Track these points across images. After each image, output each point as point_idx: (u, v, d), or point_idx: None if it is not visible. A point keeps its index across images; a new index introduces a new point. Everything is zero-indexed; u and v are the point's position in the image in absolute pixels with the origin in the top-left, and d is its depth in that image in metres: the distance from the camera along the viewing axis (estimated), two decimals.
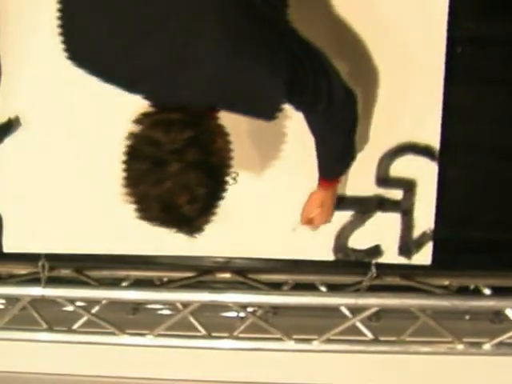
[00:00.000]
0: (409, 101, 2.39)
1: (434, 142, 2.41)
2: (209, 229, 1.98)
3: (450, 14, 2.38)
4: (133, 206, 1.86)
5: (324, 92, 1.93)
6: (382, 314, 2.75)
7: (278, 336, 2.57)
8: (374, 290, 2.55)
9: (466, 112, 2.50)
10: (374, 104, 2.38)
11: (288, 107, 1.97)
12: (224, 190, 1.88)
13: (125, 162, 1.86)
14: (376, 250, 2.48)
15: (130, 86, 1.92)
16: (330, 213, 2.35)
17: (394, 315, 2.73)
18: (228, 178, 1.90)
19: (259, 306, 2.59)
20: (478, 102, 2.50)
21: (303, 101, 1.94)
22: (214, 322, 2.70)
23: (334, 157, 2.12)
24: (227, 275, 2.59)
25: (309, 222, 2.35)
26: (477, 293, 2.59)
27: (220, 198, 1.87)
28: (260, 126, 2.11)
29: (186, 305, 2.56)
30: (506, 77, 2.49)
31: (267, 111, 1.89)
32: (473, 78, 2.49)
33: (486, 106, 2.50)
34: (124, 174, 1.85)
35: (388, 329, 2.71)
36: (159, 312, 2.81)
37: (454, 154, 2.47)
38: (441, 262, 2.51)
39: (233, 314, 2.76)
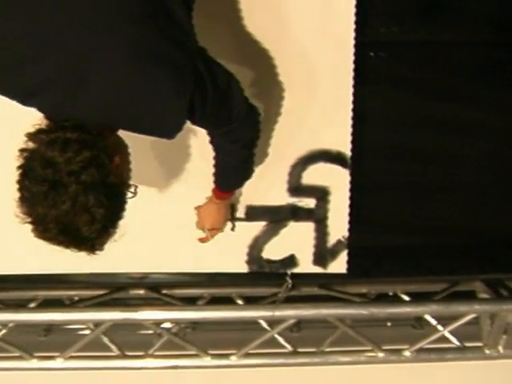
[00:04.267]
0: (319, 108, 2.36)
1: (346, 148, 2.39)
2: (120, 245, 1.92)
3: (361, 19, 2.37)
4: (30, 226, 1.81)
5: (225, 109, 1.94)
6: (303, 324, 2.74)
7: (194, 352, 2.52)
8: (292, 300, 2.51)
9: (379, 117, 2.49)
10: (284, 111, 2.34)
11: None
12: (124, 206, 1.86)
13: (20, 182, 1.79)
14: (291, 260, 2.45)
15: (26, 98, 1.84)
16: (226, 221, 2.34)
17: (316, 325, 2.70)
18: (127, 194, 1.88)
19: (175, 322, 2.55)
20: (392, 107, 2.49)
21: (204, 118, 1.93)
22: (131, 340, 2.63)
23: (232, 169, 2.11)
24: (141, 291, 2.53)
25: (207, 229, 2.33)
26: (396, 299, 2.59)
27: (120, 215, 1.85)
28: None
29: (98, 324, 2.49)
30: (419, 81, 2.49)
31: (169, 131, 1.88)
32: (386, 83, 2.48)
33: (399, 110, 2.49)
34: (19, 194, 1.79)
35: (310, 339, 2.68)
36: (75, 332, 2.73)
37: (366, 159, 2.46)
38: (358, 270, 2.49)
39: (151, 331, 2.70)
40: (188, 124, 1.93)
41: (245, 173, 2.15)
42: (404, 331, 2.78)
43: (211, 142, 2.05)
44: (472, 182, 2.56)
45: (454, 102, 2.51)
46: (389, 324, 2.81)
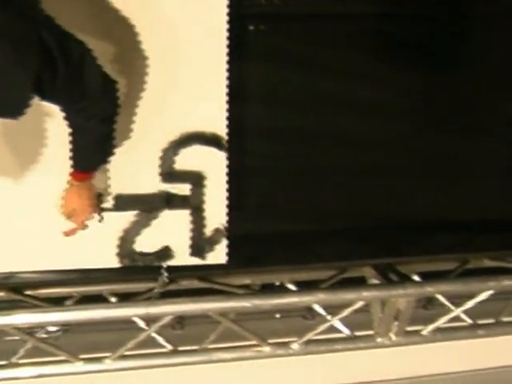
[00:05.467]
0: (191, 86, 2.21)
1: (221, 129, 2.25)
2: None
3: None
4: None
5: (79, 84, 1.83)
6: (187, 320, 2.60)
7: (64, 358, 2.32)
8: (172, 296, 2.34)
9: (259, 95, 2.35)
10: (151, 90, 2.16)
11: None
12: None
13: None
14: (166, 252, 2.31)
15: None
16: (92, 206, 2.14)
17: (201, 321, 2.56)
18: None
19: (41, 325, 2.34)
20: (273, 84, 2.35)
21: (56, 94, 1.80)
22: None
23: (91, 147, 1.98)
24: (1, 294, 2.30)
25: (71, 214, 2.12)
26: (281, 290, 2.46)
27: None
28: (13, 124, 1.87)
29: None
30: (302, 55, 2.36)
31: (12, 109, 1.73)
32: (267, 58, 2.35)
33: (281, 87, 2.36)
34: None
35: (195, 336, 2.52)
36: None
37: (244, 141, 2.32)
38: (239, 260, 2.35)
39: (16, 337, 2.47)
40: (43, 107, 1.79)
41: (104, 150, 2.01)
42: (294, 322, 2.69)
43: (66, 118, 1.91)
44: (359, 164, 2.46)
45: (338, 77, 2.41)
46: (278, 316, 2.71)
